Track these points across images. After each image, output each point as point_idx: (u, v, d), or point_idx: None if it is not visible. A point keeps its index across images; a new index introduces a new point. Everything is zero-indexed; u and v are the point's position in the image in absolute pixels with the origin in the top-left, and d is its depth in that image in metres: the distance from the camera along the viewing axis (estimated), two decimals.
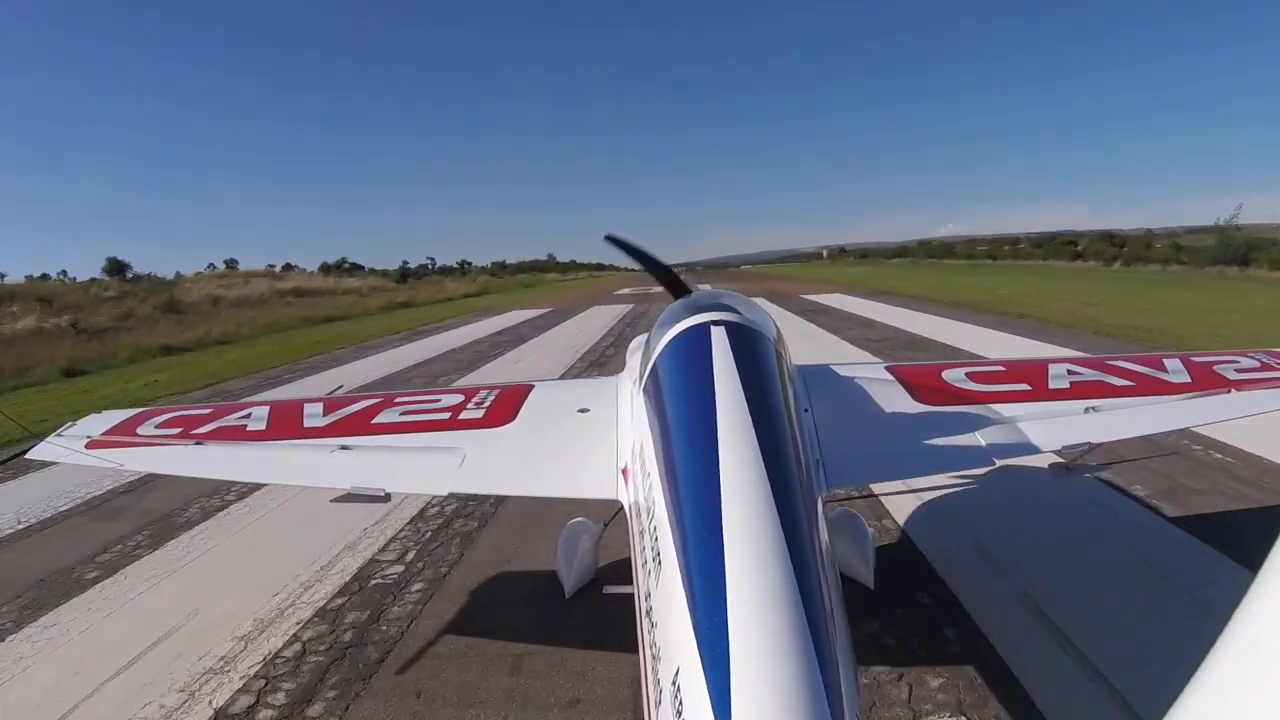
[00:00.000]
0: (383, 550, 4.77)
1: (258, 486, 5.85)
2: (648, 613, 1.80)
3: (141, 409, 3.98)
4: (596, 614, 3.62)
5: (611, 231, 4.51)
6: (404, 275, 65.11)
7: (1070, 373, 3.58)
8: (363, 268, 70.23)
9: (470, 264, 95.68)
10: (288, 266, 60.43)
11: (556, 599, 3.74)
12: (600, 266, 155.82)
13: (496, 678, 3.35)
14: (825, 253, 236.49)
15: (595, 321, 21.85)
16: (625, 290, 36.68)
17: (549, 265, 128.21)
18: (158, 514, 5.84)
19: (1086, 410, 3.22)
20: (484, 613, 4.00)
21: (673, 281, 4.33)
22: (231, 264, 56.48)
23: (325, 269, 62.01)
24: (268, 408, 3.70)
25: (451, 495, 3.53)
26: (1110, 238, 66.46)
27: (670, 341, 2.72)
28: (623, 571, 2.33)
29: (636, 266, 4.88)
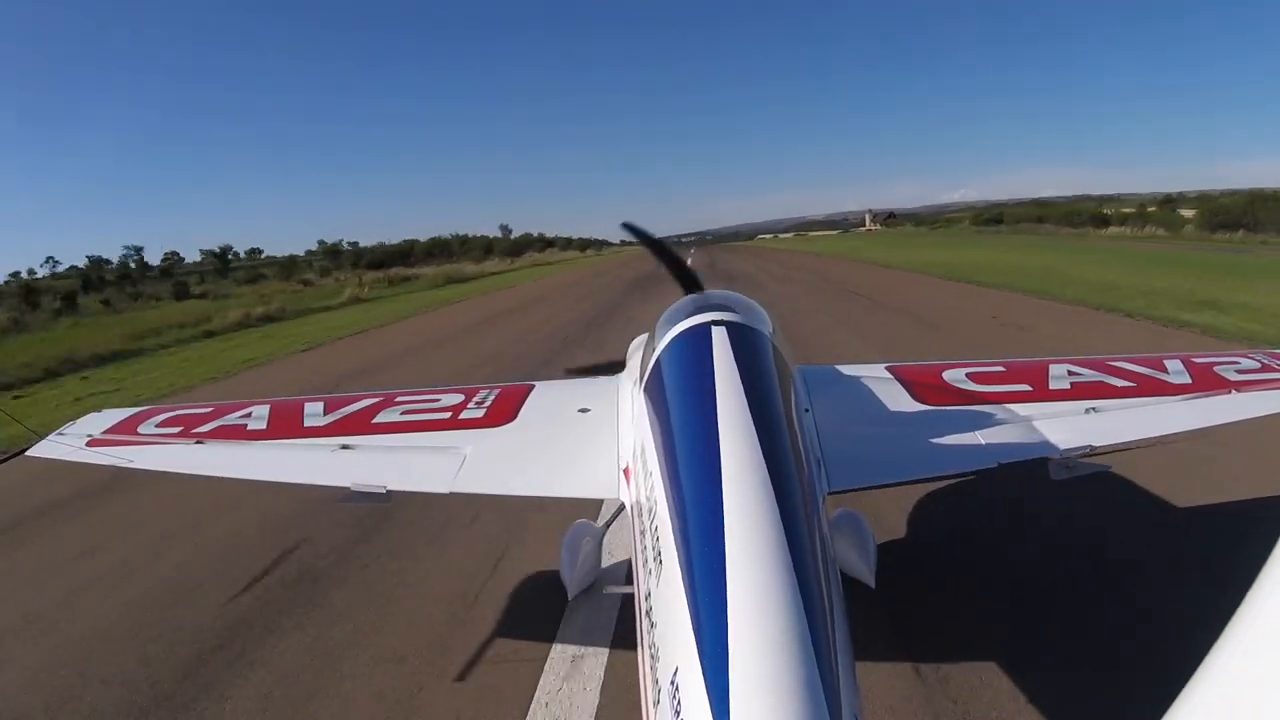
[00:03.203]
0: None
1: None
2: (647, 613, 1.88)
3: (142, 408, 4.20)
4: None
5: (629, 220, 4.66)
6: None
7: (1071, 373, 3.76)
8: None
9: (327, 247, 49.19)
10: None
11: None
12: (550, 244, 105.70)
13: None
14: (870, 217, 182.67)
15: None
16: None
17: (471, 244, 79.52)
18: None
19: (1087, 411, 3.40)
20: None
21: (686, 276, 4.41)
22: None
23: None
24: (268, 407, 3.89)
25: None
26: None
27: (671, 342, 2.88)
28: (625, 572, 2.57)
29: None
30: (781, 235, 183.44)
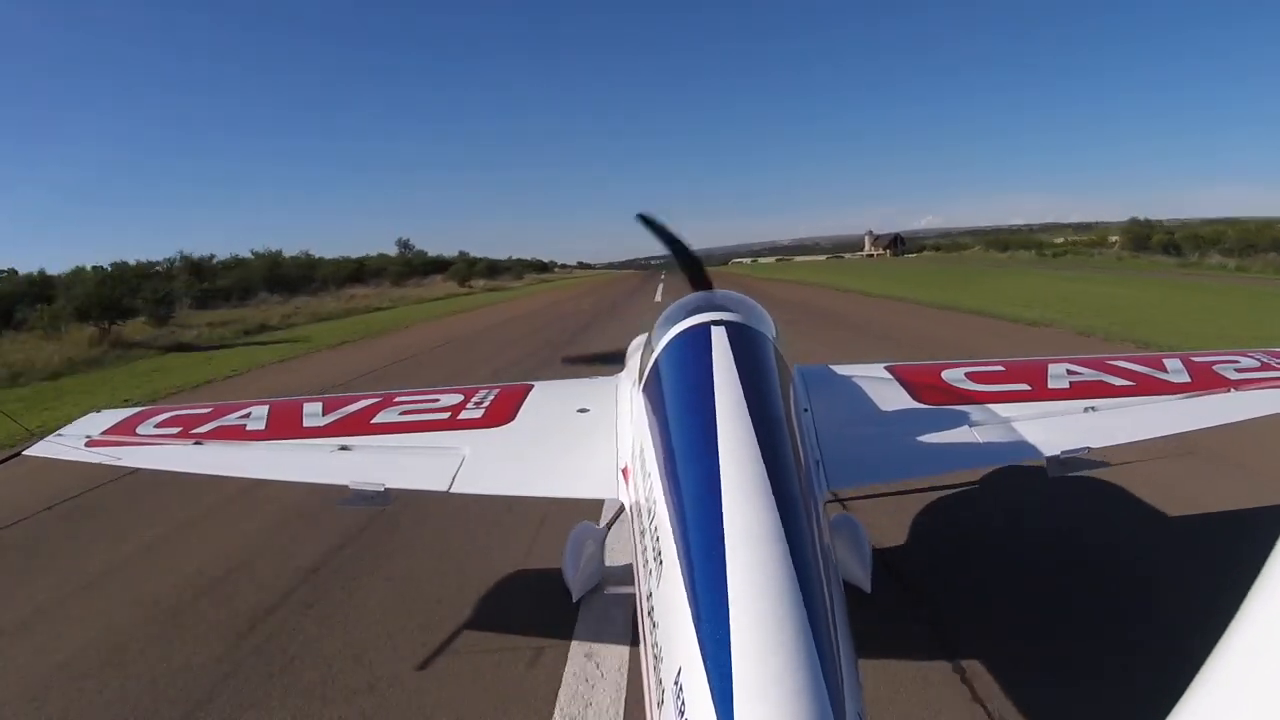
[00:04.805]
0: None
1: None
2: (649, 613, 1.91)
3: (141, 408, 4.25)
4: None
5: (645, 211, 4.39)
6: None
7: (1070, 372, 3.83)
8: None
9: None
10: None
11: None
12: (444, 267, 75.58)
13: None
14: (870, 240, 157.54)
15: None
16: None
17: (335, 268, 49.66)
18: None
19: (1086, 410, 3.46)
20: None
21: (698, 273, 4.35)
22: None
23: None
24: (267, 407, 3.96)
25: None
26: None
27: (670, 341, 2.92)
28: (628, 573, 2.54)
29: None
30: (761, 260, 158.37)
